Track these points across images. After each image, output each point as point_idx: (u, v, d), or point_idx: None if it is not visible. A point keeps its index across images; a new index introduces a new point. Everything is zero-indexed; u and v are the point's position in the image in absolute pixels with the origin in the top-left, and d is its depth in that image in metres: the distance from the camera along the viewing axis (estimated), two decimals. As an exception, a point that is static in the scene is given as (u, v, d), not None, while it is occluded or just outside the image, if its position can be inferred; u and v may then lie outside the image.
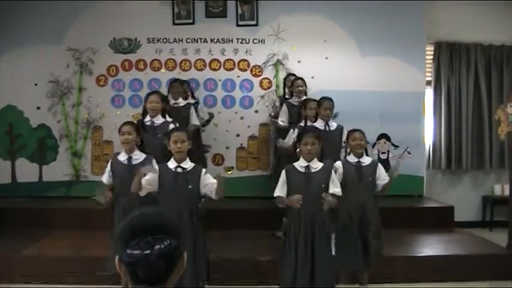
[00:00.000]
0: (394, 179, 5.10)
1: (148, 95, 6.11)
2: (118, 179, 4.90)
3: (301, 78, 7.27)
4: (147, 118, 5.90)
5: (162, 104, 5.97)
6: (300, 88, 7.12)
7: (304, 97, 7.02)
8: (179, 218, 4.35)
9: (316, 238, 4.61)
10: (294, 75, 7.62)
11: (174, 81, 7.38)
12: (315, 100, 6.43)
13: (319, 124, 6.13)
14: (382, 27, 8.23)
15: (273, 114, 7.71)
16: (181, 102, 7.05)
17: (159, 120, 5.89)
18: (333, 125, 6.17)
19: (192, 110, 7.12)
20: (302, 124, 6.42)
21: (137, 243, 1.70)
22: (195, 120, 7.06)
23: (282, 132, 7.04)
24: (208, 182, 4.54)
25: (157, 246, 1.70)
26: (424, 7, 8.32)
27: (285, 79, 7.80)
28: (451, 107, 8.59)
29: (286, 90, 7.60)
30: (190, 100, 7.35)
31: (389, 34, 8.23)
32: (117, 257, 1.75)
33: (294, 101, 7.12)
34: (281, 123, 7.12)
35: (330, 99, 6.18)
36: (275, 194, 4.72)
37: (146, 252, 1.69)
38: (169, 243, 1.72)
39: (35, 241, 6.36)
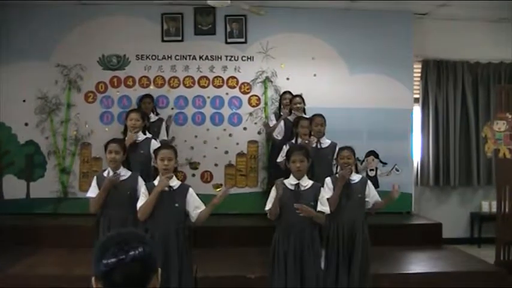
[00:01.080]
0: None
1: (129, 112, 6.18)
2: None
3: (300, 96, 7.38)
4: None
5: (142, 121, 6.03)
6: (299, 105, 7.25)
7: (303, 114, 7.11)
8: (166, 236, 4.37)
9: (305, 254, 4.62)
10: (289, 93, 7.69)
11: (145, 97, 7.53)
12: (307, 118, 6.50)
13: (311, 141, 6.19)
14: (370, 45, 8.30)
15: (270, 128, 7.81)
16: (152, 117, 7.22)
17: (140, 137, 5.95)
18: (326, 142, 6.22)
19: (163, 125, 7.38)
20: (293, 141, 6.49)
21: (111, 252, 1.71)
22: (163, 135, 7.37)
23: (276, 148, 7.14)
24: (196, 205, 4.58)
25: (131, 252, 1.72)
26: (412, 25, 8.41)
27: (280, 96, 7.88)
28: (439, 124, 8.65)
29: (282, 107, 7.73)
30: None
31: (377, 52, 8.30)
32: (93, 278, 1.75)
33: (293, 118, 7.22)
34: (276, 137, 7.34)
35: (321, 115, 6.25)
36: (266, 207, 4.73)
37: (121, 257, 1.71)
38: (143, 249, 1.74)
39: (22, 259, 6.29)
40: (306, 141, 6.12)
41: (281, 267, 4.63)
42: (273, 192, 4.75)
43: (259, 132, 8.24)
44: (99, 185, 4.92)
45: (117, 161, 4.90)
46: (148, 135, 6.22)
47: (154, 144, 5.92)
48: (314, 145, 6.15)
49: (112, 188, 4.85)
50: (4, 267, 5.95)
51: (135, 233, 1.86)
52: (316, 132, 6.21)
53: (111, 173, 4.92)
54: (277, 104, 8.05)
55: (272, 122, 7.82)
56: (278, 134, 7.35)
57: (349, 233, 5.08)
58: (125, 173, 4.95)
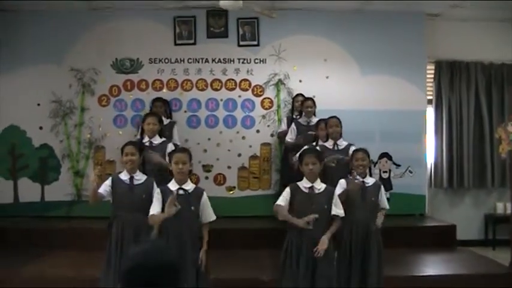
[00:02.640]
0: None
1: (146, 116, 6.21)
2: (118, 197, 4.90)
3: (311, 99, 7.39)
4: (146, 139, 5.99)
5: (159, 125, 6.07)
6: (310, 109, 7.27)
7: (314, 117, 7.14)
8: (181, 239, 4.40)
9: (318, 257, 4.61)
10: (302, 95, 7.70)
11: (156, 101, 7.55)
12: (325, 120, 6.50)
13: (328, 143, 6.23)
14: (382, 46, 8.29)
15: (280, 130, 7.83)
16: (164, 120, 7.23)
17: (157, 140, 6.00)
18: (343, 144, 6.23)
19: (175, 128, 7.38)
20: (314, 143, 6.50)
21: None
22: (175, 139, 7.32)
23: (289, 150, 7.16)
24: (206, 213, 4.63)
25: None
26: (424, 26, 8.39)
27: (293, 99, 7.89)
28: (452, 126, 8.62)
29: (295, 110, 7.76)
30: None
31: (389, 53, 8.29)
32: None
33: (303, 120, 7.28)
34: (290, 140, 7.27)
35: (335, 117, 6.27)
36: (276, 203, 4.71)
37: None
38: None
39: (36, 261, 6.35)
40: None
41: (293, 268, 4.62)
42: (285, 193, 4.75)
43: (272, 135, 8.25)
44: (113, 187, 4.91)
45: (134, 162, 4.91)
46: (164, 138, 6.26)
47: (171, 147, 5.94)
48: (331, 147, 6.19)
49: (128, 191, 4.86)
50: (18, 269, 6.00)
51: (169, 269, 1.87)
52: (331, 133, 6.23)
53: (128, 175, 4.93)
54: (289, 106, 8.05)
55: (284, 124, 7.82)
56: (290, 139, 7.35)
57: (363, 236, 5.07)
58: (140, 177, 4.95)
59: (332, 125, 6.23)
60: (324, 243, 4.56)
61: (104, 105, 8.24)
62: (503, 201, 8.60)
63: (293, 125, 7.36)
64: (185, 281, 4.34)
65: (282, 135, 7.76)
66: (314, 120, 7.10)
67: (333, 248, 4.79)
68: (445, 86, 8.64)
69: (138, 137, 6.37)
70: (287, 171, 7.23)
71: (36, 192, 8.14)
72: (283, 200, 4.73)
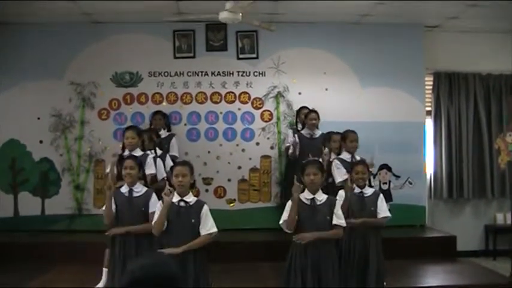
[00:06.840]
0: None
1: (125, 130, 6.16)
2: (118, 210, 4.93)
3: (315, 111, 7.38)
4: (126, 152, 5.94)
5: (138, 139, 6.01)
6: (314, 121, 7.28)
7: (317, 130, 7.21)
8: (183, 252, 4.38)
9: (322, 268, 4.61)
10: (307, 107, 7.68)
11: (156, 114, 7.61)
12: (338, 133, 6.50)
13: (346, 156, 6.17)
14: (381, 58, 8.32)
15: (288, 145, 7.80)
16: (163, 133, 7.24)
17: (137, 153, 5.90)
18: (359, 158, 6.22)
19: (174, 140, 7.45)
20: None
21: None
22: (174, 151, 7.37)
23: (293, 164, 7.15)
24: (205, 225, 4.57)
25: None
26: (423, 38, 8.43)
27: (298, 111, 7.89)
28: (451, 137, 8.63)
29: (298, 122, 7.78)
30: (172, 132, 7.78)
31: (388, 65, 8.31)
32: None
33: (306, 132, 7.27)
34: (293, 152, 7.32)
35: (354, 132, 6.24)
36: (281, 221, 4.73)
37: None
38: None
39: (37, 275, 6.34)
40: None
41: (298, 282, 4.63)
42: (288, 206, 4.77)
43: (272, 147, 8.28)
44: (115, 200, 4.94)
45: (132, 176, 4.93)
46: (152, 153, 6.19)
47: (150, 161, 5.94)
48: (350, 160, 6.13)
49: (127, 204, 4.88)
50: (19, 284, 5.99)
51: (169, 282, 1.89)
52: (351, 147, 6.19)
53: (127, 188, 4.95)
54: (289, 118, 8.12)
55: (290, 137, 7.82)
56: (293, 151, 7.37)
57: (363, 246, 5.08)
58: (140, 189, 4.97)
59: (353, 140, 6.19)
60: (305, 237, 4.60)
61: (104, 118, 8.26)
62: (503, 212, 8.62)
63: (296, 138, 7.36)
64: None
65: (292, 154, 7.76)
66: (317, 132, 7.17)
67: (338, 258, 4.81)
68: (443, 97, 8.67)
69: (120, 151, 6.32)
70: (289, 185, 7.23)
71: (37, 206, 8.13)
72: (286, 214, 4.75)
